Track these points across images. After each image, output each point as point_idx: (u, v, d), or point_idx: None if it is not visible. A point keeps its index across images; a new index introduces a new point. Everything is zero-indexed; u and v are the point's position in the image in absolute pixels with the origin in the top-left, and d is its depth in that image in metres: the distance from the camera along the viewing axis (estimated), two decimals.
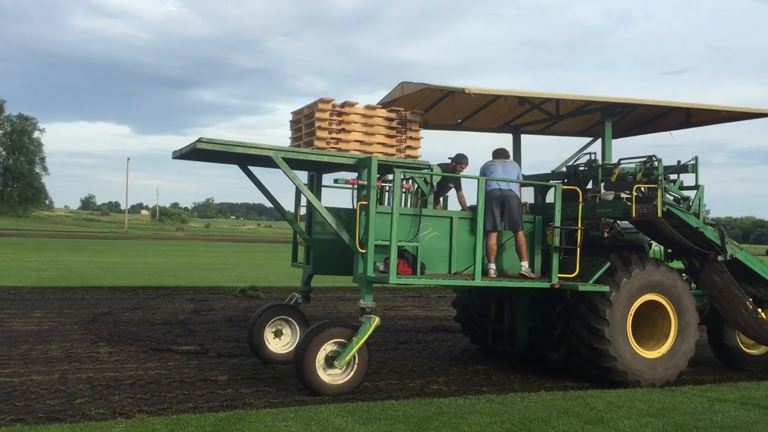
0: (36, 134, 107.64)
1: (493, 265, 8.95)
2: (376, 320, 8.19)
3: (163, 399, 7.60)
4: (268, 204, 11.12)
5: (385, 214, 8.33)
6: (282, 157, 8.45)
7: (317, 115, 8.78)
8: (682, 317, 9.50)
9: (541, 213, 9.80)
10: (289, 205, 10.43)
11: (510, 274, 9.27)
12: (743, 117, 11.30)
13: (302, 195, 10.03)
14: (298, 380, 8.27)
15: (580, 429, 6.75)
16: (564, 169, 10.81)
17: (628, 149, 11.54)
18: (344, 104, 8.97)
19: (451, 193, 10.41)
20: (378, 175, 8.55)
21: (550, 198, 10.37)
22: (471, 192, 10.33)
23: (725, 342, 10.76)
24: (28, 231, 65.36)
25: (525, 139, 12.18)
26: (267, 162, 8.89)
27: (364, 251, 8.24)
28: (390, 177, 9.45)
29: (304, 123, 9.21)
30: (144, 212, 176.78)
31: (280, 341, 10.03)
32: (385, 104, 10.01)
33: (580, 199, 9.36)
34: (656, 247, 11.16)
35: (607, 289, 8.94)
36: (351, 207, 9.34)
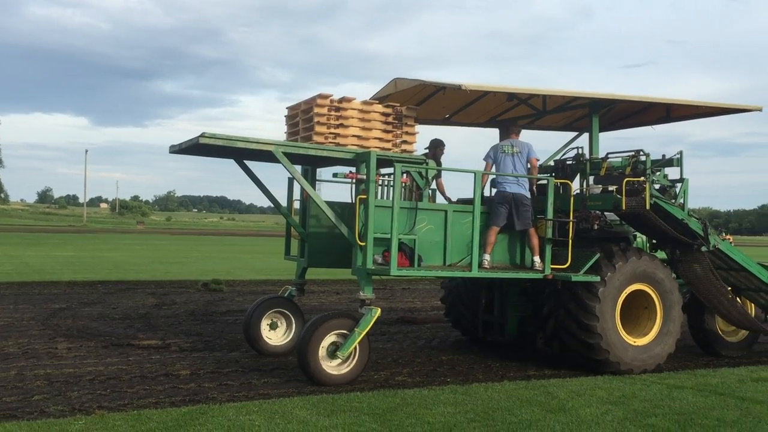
0: None
1: (488, 257, 9.17)
2: (377, 311, 8.35)
3: (124, 395, 7.47)
4: (231, 196, 11.18)
5: (382, 208, 8.49)
6: (282, 152, 8.59)
7: (316, 110, 8.92)
8: (668, 304, 9.81)
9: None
10: (280, 199, 10.55)
11: (503, 265, 9.49)
12: (721, 112, 11.69)
13: (293, 188, 10.26)
14: (295, 373, 8.34)
15: (542, 417, 6.84)
16: (552, 163, 11.03)
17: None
18: (342, 99, 9.14)
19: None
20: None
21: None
22: (452, 178, 10.72)
23: (705, 328, 11.09)
24: None
25: None
26: (264, 156, 9.04)
27: (363, 244, 8.38)
28: (383, 171, 9.63)
29: (301, 118, 9.34)
30: (103, 205, 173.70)
31: (276, 333, 10.17)
32: (377, 100, 10.11)
33: (571, 193, 9.62)
34: (640, 238, 11.47)
35: (598, 279, 9.19)
36: (347, 200, 9.49)
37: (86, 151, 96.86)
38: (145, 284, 19.00)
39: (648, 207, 9.47)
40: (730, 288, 10.38)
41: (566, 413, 7.03)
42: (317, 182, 10.47)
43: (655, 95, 11.39)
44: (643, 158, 9.84)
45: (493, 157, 9.66)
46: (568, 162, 10.74)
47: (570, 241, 9.17)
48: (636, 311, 9.87)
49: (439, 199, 10.51)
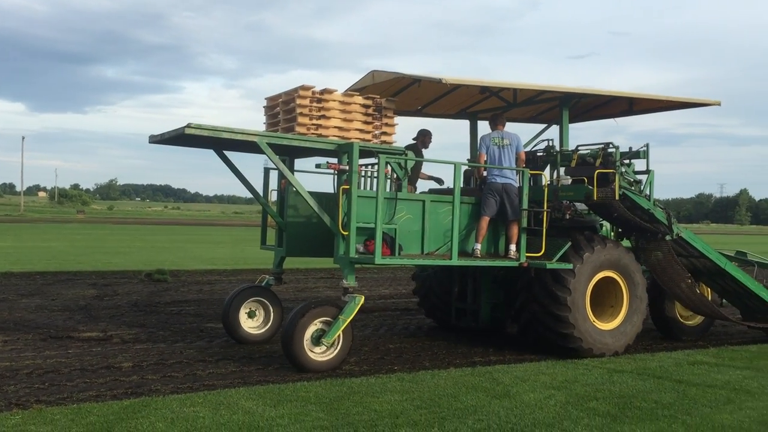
0: None
1: (479, 245, 9.42)
2: (361, 299, 8.50)
3: (63, 388, 7.27)
4: (175, 185, 11.06)
5: (364, 198, 8.62)
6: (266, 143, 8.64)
7: (298, 101, 8.98)
8: (632, 287, 10.18)
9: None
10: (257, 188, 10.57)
11: (490, 254, 9.76)
12: (681, 106, 12.14)
13: (269, 178, 10.43)
14: (284, 360, 8.48)
15: (487, 403, 6.94)
16: None
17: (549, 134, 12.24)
18: (324, 91, 9.21)
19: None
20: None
21: None
22: (431, 168, 11.18)
23: (665, 313, 11.58)
24: None
25: (480, 125, 12.67)
26: (246, 147, 9.25)
27: (346, 233, 8.48)
28: (361, 162, 9.73)
29: (282, 109, 9.37)
30: (42, 194, 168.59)
31: (253, 321, 10.27)
32: (354, 92, 10.16)
33: (545, 183, 9.90)
34: (605, 227, 11.81)
35: (571, 266, 9.46)
36: (330, 191, 9.58)
37: (23, 138, 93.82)
38: (86, 275, 18.50)
39: (617, 197, 9.82)
40: (689, 275, 10.81)
41: (510, 398, 7.15)
42: (295, 172, 10.51)
43: (607, 88, 12.04)
44: (612, 150, 10.14)
45: (485, 147, 9.87)
46: (539, 153, 11.06)
47: (544, 230, 9.45)
48: (603, 297, 10.22)
49: (429, 185, 11.17)
